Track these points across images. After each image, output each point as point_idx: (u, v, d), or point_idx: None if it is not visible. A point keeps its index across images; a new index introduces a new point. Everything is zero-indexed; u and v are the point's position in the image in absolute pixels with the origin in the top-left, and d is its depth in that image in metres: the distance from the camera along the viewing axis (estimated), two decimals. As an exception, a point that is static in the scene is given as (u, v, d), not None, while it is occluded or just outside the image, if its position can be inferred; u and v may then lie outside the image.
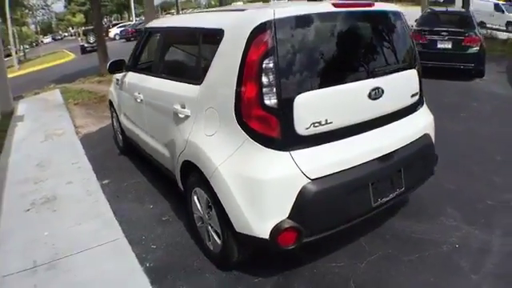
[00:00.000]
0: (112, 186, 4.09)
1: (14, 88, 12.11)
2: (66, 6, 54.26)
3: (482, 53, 8.31)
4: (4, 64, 8.97)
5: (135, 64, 4.13)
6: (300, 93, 2.20)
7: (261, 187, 2.17)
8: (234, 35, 2.39)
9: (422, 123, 2.91)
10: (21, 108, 8.61)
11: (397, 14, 2.92)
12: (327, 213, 2.29)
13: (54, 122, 7.00)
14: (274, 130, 2.18)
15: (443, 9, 10.88)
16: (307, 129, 2.23)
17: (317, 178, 2.22)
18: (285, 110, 2.18)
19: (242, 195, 2.21)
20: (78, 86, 10.65)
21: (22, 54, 36.73)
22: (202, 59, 2.73)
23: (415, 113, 2.90)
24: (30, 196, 3.91)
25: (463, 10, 10.49)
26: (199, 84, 2.63)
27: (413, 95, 2.86)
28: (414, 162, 2.75)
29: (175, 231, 3.15)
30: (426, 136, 2.89)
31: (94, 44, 19.39)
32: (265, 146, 2.20)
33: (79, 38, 30.07)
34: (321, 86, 2.29)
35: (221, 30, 2.50)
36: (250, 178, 2.19)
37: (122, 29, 36.60)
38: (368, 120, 2.51)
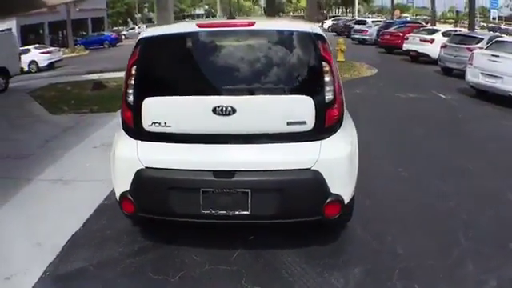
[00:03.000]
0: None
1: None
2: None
3: None
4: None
5: None
6: (148, 96, 2.85)
7: (116, 162, 3.04)
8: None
9: (306, 156, 2.76)
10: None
11: (296, 35, 2.87)
12: (153, 199, 2.89)
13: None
14: (130, 121, 2.94)
15: None
16: (149, 126, 2.86)
17: (149, 167, 2.86)
18: (137, 107, 2.87)
19: (112, 165, 3.12)
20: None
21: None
22: None
23: (299, 143, 2.79)
24: (104, 139, 5.77)
25: None
26: None
27: (292, 123, 2.75)
28: (272, 191, 2.79)
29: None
30: (308, 172, 2.75)
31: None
32: (125, 132, 2.99)
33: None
34: (164, 94, 2.87)
35: None
36: (114, 153, 3.08)
37: (334, 22, 38.19)
38: (215, 134, 2.84)
